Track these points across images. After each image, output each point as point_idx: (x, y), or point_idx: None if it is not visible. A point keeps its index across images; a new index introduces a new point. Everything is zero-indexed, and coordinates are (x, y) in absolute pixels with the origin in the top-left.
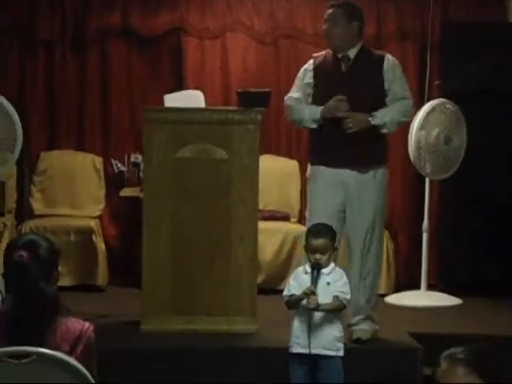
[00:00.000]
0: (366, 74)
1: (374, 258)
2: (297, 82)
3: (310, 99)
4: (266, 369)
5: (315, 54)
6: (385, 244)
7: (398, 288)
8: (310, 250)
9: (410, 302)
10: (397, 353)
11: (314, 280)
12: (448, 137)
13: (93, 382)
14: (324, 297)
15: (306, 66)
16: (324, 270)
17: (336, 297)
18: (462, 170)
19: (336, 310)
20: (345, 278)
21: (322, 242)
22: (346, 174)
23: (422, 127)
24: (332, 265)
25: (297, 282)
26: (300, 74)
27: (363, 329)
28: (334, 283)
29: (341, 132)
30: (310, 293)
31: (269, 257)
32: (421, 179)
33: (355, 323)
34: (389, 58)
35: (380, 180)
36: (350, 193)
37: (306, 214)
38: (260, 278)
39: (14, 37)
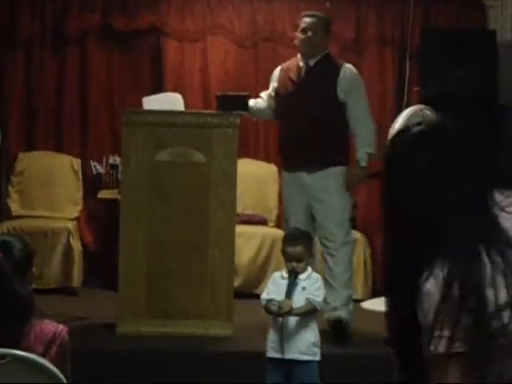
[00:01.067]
0: (320, 81)
1: (347, 256)
2: (270, 85)
3: (274, 105)
4: (242, 373)
5: (286, 61)
6: (361, 249)
7: (375, 293)
8: (286, 257)
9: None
10: (373, 358)
11: (290, 285)
12: None
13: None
14: (299, 302)
15: (275, 70)
16: (301, 276)
17: (308, 300)
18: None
19: (308, 313)
20: (319, 283)
21: (298, 249)
22: (304, 178)
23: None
24: (309, 270)
25: (275, 286)
26: (271, 78)
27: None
28: (308, 288)
29: (297, 135)
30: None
31: (246, 261)
32: None
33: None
34: (346, 69)
35: (341, 180)
36: (314, 195)
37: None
38: (237, 282)
39: None
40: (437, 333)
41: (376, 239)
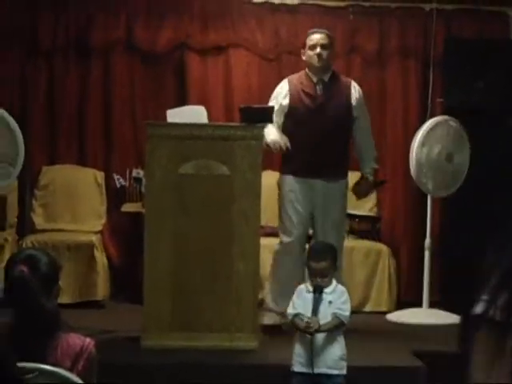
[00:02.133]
0: (337, 96)
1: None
2: (273, 102)
3: (282, 119)
4: None
5: (290, 77)
6: (386, 261)
7: (400, 305)
8: (310, 272)
9: (411, 320)
10: (399, 371)
11: (316, 302)
12: (450, 154)
13: None
14: (326, 316)
15: (280, 86)
16: (326, 290)
17: (334, 314)
18: (465, 188)
19: (336, 328)
20: (346, 296)
21: (324, 265)
22: (316, 185)
23: (423, 144)
24: (334, 283)
25: (300, 300)
26: (276, 94)
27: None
28: (335, 301)
29: (315, 146)
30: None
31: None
32: (422, 196)
33: None
34: (354, 85)
35: (344, 191)
36: (318, 202)
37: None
38: (261, 295)
39: (16, 48)
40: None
41: (401, 251)
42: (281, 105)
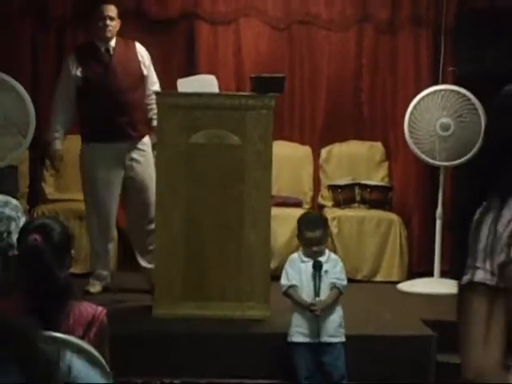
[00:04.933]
0: (126, 60)
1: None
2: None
3: (73, 93)
4: (279, 354)
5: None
6: (397, 231)
7: (411, 275)
8: (305, 242)
9: (422, 289)
10: (410, 340)
11: (318, 281)
12: (445, 124)
13: (106, 365)
14: (324, 285)
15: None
16: (321, 259)
17: (333, 284)
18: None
19: (337, 299)
20: (341, 264)
21: (319, 233)
22: (121, 147)
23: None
24: (327, 252)
25: (294, 270)
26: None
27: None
28: (331, 270)
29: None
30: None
31: (281, 243)
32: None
33: None
34: (140, 46)
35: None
36: (127, 165)
37: (84, 187)
38: (272, 265)
39: (27, 19)
40: (478, 263)
41: (412, 221)
42: (72, 76)
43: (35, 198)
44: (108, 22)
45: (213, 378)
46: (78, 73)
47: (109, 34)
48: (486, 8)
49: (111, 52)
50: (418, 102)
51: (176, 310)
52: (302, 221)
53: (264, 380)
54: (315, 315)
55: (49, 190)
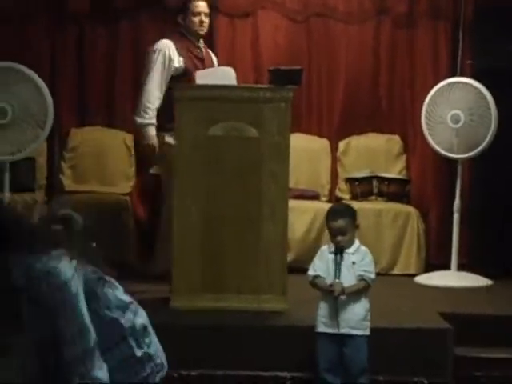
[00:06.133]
0: (208, 57)
1: None
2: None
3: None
4: (296, 347)
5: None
6: (415, 224)
7: (428, 268)
8: (330, 233)
9: (440, 282)
10: (427, 333)
11: (338, 264)
12: (456, 115)
13: None
14: (350, 277)
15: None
16: (348, 250)
17: (360, 276)
18: (494, 149)
19: (362, 290)
20: (370, 257)
21: (341, 223)
22: None
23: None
24: (356, 243)
25: (322, 261)
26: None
27: None
28: (359, 262)
29: None
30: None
31: (298, 236)
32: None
33: None
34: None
35: None
36: None
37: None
38: (289, 257)
39: (45, 11)
40: None
41: (430, 214)
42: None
43: (53, 189)
44: (203, 18)
45: (229, 371)
46: (181, 63)
47: (204, 31)
48: (505, 1)
49: (202, 48)
50: (434, 95)
51: (193, 302)
52: (328, 211)
53: (281, 372)
54: (334, 297)
55: (67, 181)
